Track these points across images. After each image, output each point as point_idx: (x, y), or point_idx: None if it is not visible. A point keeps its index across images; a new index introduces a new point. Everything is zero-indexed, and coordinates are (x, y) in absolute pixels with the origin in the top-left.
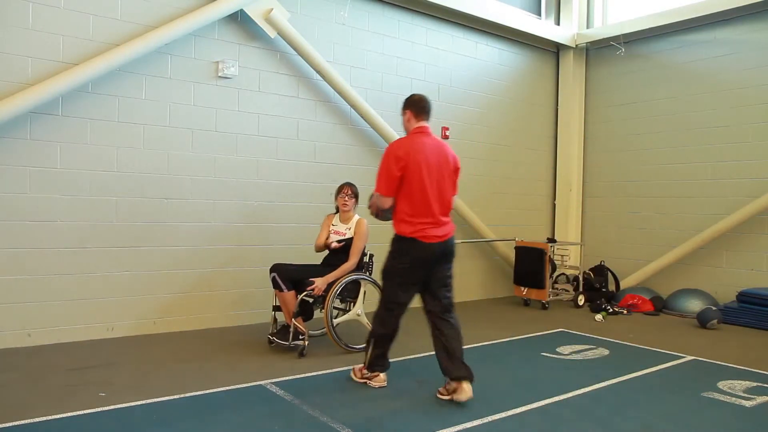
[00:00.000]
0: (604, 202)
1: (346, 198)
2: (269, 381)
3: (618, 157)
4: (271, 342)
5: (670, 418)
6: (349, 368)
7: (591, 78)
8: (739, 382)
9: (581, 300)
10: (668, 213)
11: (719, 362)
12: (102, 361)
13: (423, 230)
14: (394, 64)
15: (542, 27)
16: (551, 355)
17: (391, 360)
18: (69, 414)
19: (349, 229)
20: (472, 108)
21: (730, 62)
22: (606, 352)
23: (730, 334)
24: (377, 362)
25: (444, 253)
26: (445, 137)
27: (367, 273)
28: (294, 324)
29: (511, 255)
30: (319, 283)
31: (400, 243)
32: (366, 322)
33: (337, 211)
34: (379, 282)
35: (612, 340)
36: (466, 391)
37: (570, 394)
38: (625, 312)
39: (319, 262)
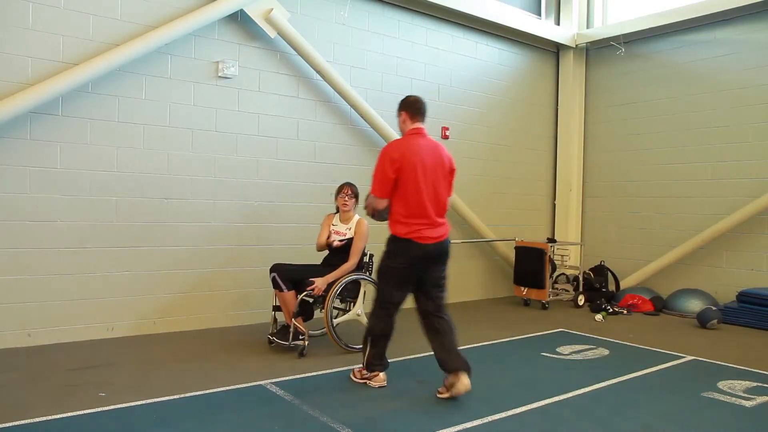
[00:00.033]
0: (604, 202)
1: (346, 198)
2: (269, 381)
3: (618, 157)
4: (271, 342)
5: (670, 418)
6: (349, 368)
7: (591, 78)
8: (739, 382)
9: (581, 300)
10: (668, 213)
11: (719, 362)
12: (102, 361)
13: (418, 231)
14: (394, 64)
15: (542, 27)
16: (551, 355)
17: (390, 360)
18: (69, 414)
19: (350, 229)
20: (472, 108)
21: (730, 62)
22: (606, 352)
23: (730, 334)
24: (375, 361)
25: (439, 254)
26: (445, 137)
27: (367, 273)
28: (294, 324)
29: (511, 255)
30: (319, 283)
31: (395, 243)
32: (366, 322)
33: (338, 211)
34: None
35: (612, 340)
36: (463, 382)
37: (570, 394)
38: (625, 312)
39: (319, 262)
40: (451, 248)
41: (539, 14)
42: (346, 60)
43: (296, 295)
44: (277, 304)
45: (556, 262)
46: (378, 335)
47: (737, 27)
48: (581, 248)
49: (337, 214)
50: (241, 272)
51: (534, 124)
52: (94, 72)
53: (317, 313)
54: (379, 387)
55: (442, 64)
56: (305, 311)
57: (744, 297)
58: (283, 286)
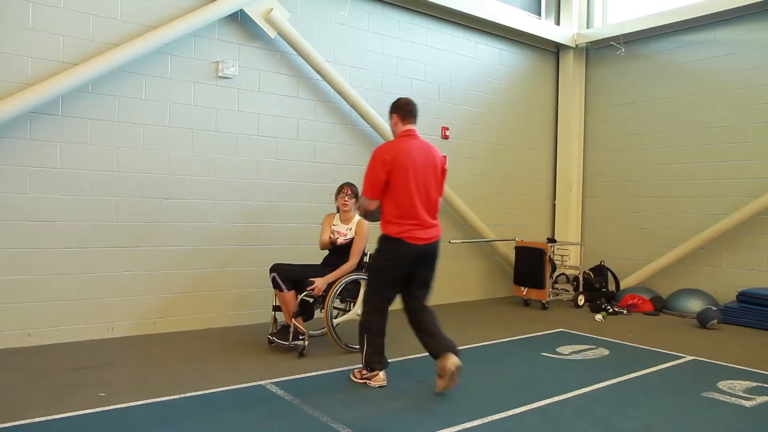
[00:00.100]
0: (604, 202)
1: (346, 198)
2: (269, 381)
3: (618, 157)
4: (271, 342)
5: (670, 418)
6: (349, 368)
7: (591, 78)
8: (739, 382)
9: (581, 300)
10: (668, 213)
11: (719, 362)
12: (102, 361)
13: (409, 231)
14: (394, 64)
15: (542, 27)
16: (551, 355)
17: (390, 360)
18: (69, 414)
19: (350, 229)
20: (472, 108)
21: (730, 62)
22: (606, 352)
23: (730, 334)
24: (374, 359)
25: (428, 254)
26: (445, 137)
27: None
28: (294, 324)
29: (511, 255)
30: (319, 283)
31: (386, 242)
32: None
33: (338, 211)
34: None
35: (612, 340)
36: (452, 360)
37: (570, 394)
38: (625, 312)
39: (319, 261)
40: (440, 249)
41: (539, 14)
42: (346, 60)
43: (296, 295)
44: (277, 304)
45: (556, 262)
46: (373, 332)
47: (737, 27)
48: (581, 248)
49: (338, 214)
50: (241, 272)
51: (534, 124)
52: (94, 72)
53: (317, 313)
54: (379, 387)
55: (442, 64)
56: (305, 311)
57: (744, 297)
58: (283, 286)
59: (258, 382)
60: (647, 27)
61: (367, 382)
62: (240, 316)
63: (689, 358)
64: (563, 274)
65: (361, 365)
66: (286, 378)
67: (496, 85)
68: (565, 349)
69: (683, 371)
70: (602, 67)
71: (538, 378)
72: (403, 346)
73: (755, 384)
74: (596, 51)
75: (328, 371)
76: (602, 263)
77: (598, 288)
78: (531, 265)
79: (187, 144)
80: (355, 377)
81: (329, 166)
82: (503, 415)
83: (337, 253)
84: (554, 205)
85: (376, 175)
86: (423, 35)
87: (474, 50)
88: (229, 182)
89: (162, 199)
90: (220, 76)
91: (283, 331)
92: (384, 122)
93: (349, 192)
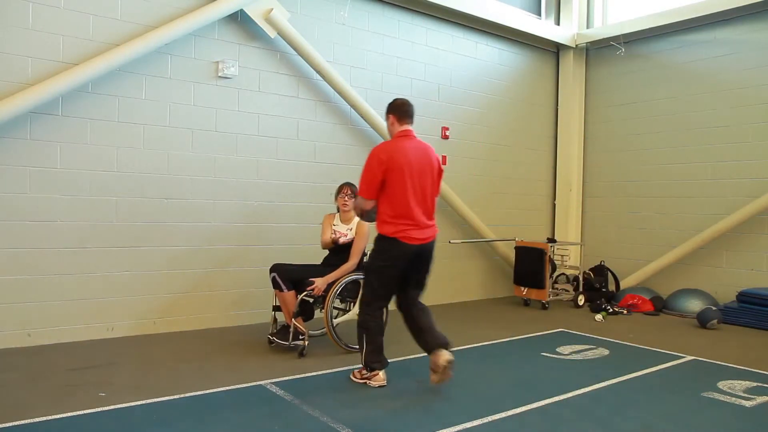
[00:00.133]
0: (604, 202)
1: (346, 198)
2: (269, 381)
3: (618, 157)
4: (271, 342)
5: (670, 418)
6: (349, 368)
7: (591, 78)
8: (739, 382)
9: (581, 300)
10: (668, 213)
11: (719, 362)
12: (102, 361)
13: (404, 231)
14: (394, 64)
15: (542, 27)
16: (551, 355)
17: (390, 360)
18: (69, 414)
19: (351, 229)
20: (472, 108)
21: (730, 62)
22: (606, 352)
23: (730, 334)
24: (373, 358)
25: (424, 254)
26: (445, 137)
27: None
28: (294, 324)
29: (511, 255)
30: (319, 283)
31: (382, 242)
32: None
33: (338, 211)
34: None
35: (612, 340)
36: (443, 356)
37: (570, 394)
38: (625, 312)
39: (319, 261)
40: (435, 250)
41: (539, 14)
42: (346, 60)
43: (296, 295)
44: (277, 304)
45: (556, 262)
46: (371, 331)
47: (737, 27)
48: (581, 248)
49: (338, 214)
50: (241, 272)
51: (534, 124)
52: (94, 72)
53: (317, 313)
54: (379, 387)
55: (442, 64)
56: (305, 311)
57: (744, 297)
58: (283, 286)
59: (258, 382)
60: (647, 27)
61: (367, 382)
62: (240, 316)
63: (689, 358)
64: (563, 274)
65: (360, 365)
66: (286, 378)
67: (496, 85)
68: (565, 349)
69: (683, 371)
70: (602, 67)
71: (538, 378)
72: (403, 346)
73: (755, 384)
74: (596, 51)
75: (328, 371)
76: (602, 263)
77: (598, 288)
78: (531, 265)
79: (187, 144)
80: (355, 377)
81: (329, 166)
82: (503, 415)
83: (337, 253)
84: (554, 205)
85: (372, 174)
86: (423, 35)
87: (474, 50)
88: (229, 182)
89: (162, 199)
90: (220, 76)
91: (283, 331)
92: (384, 122)
93: (349, 192)
